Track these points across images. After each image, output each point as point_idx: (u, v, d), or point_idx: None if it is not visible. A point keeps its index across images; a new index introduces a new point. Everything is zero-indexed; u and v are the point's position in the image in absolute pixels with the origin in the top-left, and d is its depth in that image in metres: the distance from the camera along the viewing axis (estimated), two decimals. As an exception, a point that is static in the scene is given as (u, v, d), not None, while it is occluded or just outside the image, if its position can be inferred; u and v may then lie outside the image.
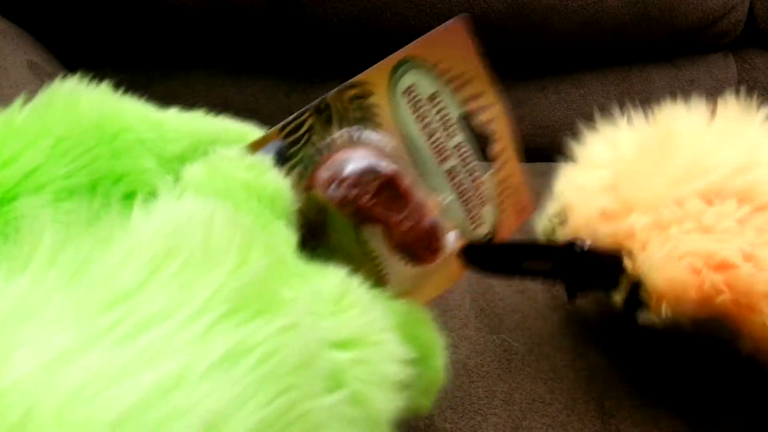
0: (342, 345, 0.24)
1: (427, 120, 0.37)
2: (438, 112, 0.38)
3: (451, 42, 0.37)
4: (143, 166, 0.32)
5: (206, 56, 0.84)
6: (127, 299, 0.19)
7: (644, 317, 0.37)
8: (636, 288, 0.37)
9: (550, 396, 0.41)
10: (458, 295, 0.50)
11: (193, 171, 0.29)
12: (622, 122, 0.46)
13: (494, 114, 0.39)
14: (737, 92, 0.44)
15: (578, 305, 0.49)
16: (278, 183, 0.30)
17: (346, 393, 0.23)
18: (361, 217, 0.35)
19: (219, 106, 0.93)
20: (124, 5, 0.78)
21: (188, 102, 0.89)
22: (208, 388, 0.18)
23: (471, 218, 0.39)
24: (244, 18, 0.78)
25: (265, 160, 0.31)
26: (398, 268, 0.37)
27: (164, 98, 0.96)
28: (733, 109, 0.44)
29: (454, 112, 0.38)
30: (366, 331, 0.25)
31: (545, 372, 0.43)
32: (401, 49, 0.36)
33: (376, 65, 0.37)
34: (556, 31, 0.82)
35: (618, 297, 0.39)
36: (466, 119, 0.38)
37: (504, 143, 0.40)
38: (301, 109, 0.35)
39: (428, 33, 0.37)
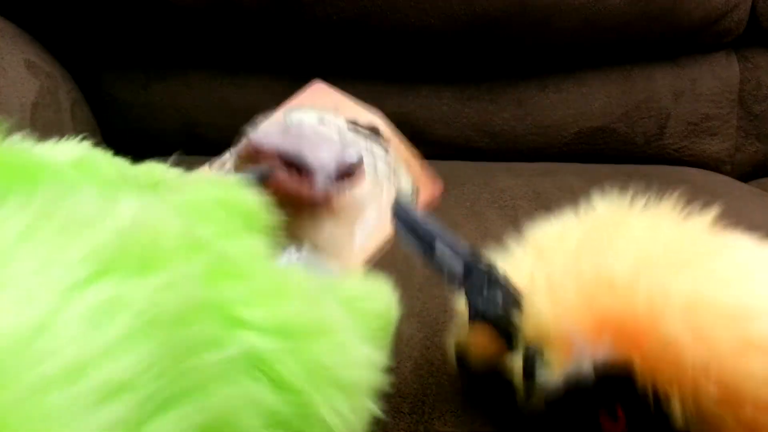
0: (268, 331, 0.25)
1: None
2: (331, 127, 0.54)
3: (318, 96, 0.53)
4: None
5: (206, 56, 0.84)
6: (4, 256, 0.19)
7: (544, 378, 0.34)
8: (531, 351, 0.35)
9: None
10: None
11: (166, 191, 0.31)
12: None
13: (370, 117, 0.54)
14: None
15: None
16: (253, 201, 0.33)
17: (241, 357, 0.23)
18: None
19: (218, 106, 0.93)
20: (123, 5, 0.78)
21: (188, 102, 0.89)
22: (73, 335, 0.18)
23: (392, 172, 0.50)
24: (244, 17, 0.78)
25: (244, 180, 0.35)
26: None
27: (164, 98, 0.96)
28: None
29: (342, 124, 0.52)
30: (307, 327, 0.26)
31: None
32: (287, 103, 0.54)
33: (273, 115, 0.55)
34: (557, 29, 0.82)
35: (515, 363, 0.36)
36: (354, 124, 0.52)
37: (387, 132, 0.53)
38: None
39: (297, 94, 0.54)
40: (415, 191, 0.48)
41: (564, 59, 0.87)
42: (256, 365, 0.24)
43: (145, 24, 0.80)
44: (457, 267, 0.39)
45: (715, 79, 0.89)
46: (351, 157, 0.45)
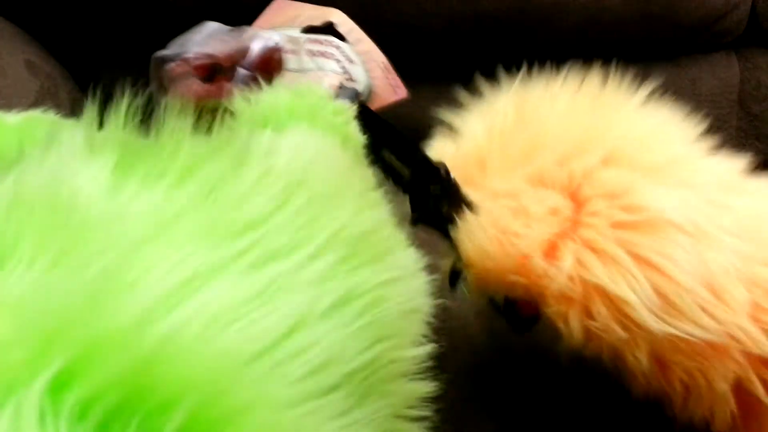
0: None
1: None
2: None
3: (278, 13, 0.50)
4: None
5: (206, 55, 0.84)
6: (257, 227, 0.19)
7: (460, 292, 0.38)
8: (457, 267, 0.38)
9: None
10: (458, 296, 0.50)
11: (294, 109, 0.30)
12: (474, 107, 0.46)
13: (327, 17, 0.49)
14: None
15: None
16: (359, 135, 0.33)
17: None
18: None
19: (218, 105, 0.92)
20: (123, 5, 0.78)
21: (187, 101, 0.87)
22: (323, 330, 0.18)
23: (342, 69, 0.45)
24: (244, 17, 0.78)
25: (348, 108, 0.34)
26: None
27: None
28: (594, 88, 0.43)
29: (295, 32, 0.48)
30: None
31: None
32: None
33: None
34: (557, 29, 0.82)
35: (444, 266, 0.39)
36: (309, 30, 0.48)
37: (346, 28, 0.48)
38: None
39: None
40: (368, 90, 0.45)
41: (564, 59, 0.87)
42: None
43: (145, 24, 0.79)
44: (405, 172, 0.39)
45: (715, 79, 0.89)
46: (267, 44, 0.42)
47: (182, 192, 0.20)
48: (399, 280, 0.22)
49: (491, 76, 0.87)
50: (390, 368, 0.21)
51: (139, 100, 0.24)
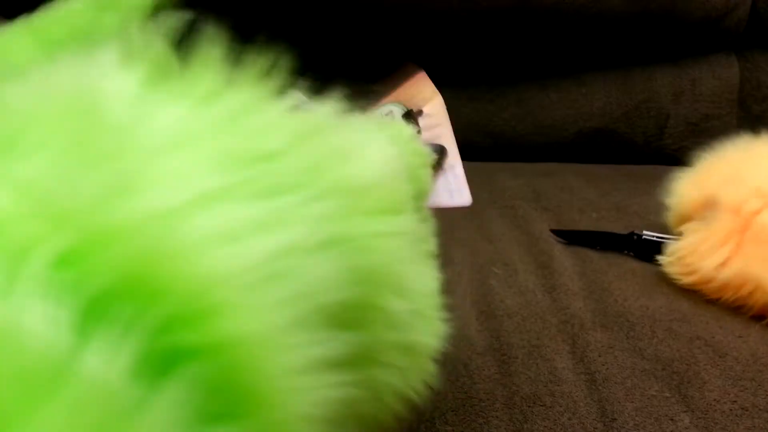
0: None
1: None
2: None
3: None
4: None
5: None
6: (269, 161, 0.20)
7: None
8: None
9: (551, 399, 0.41)
10: (459, 298, 0.50)
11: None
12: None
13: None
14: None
15: (574, 310, 0.49)
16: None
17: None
18: None
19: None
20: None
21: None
22: (309, 262, 0.19)
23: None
24: (244, 13, 0.78)
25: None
26: None
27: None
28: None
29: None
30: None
31: (545, 374, 0.43)
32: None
33: None
34: (557, 29, 0.82)
35: None
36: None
37: (436, 120, 0.60)
38: None
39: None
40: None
41: (564, 59, 0.87)
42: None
43: (145, 24, 0.80)
44: None
45: (715, 79, 0.89)
46: None
47: (205, 114, 0.21)
48: (394, 235, 0.23)
49: (490, 77, 0.88)
50: (372, 315, 0.22)
51: (179, 27, 0.25)
